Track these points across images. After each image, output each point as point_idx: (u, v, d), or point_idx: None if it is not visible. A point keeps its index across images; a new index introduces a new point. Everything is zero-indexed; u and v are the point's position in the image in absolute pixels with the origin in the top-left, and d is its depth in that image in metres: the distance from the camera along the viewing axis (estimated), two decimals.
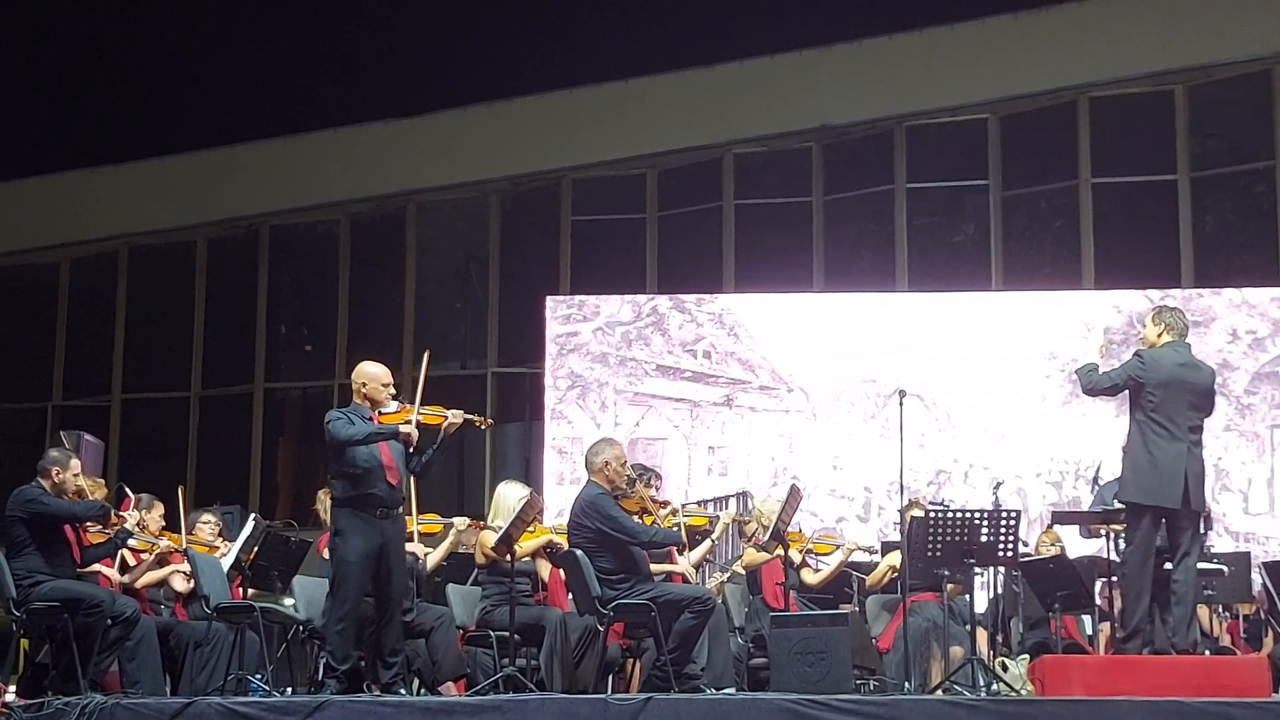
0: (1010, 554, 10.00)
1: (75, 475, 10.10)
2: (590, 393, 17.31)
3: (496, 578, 10.56)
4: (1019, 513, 10.24)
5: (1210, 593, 11.11)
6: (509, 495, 10.73)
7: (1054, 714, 8.32)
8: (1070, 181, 19.05)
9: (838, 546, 12.22)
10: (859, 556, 12.37)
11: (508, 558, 10.16)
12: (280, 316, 22.12)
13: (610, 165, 20.62)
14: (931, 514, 10.18)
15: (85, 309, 22.69)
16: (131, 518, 10.56)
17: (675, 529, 10.64)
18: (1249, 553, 12.98)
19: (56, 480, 9.97)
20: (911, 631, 10.33)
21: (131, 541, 10.71)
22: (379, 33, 24.80)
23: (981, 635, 11.09)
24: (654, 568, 10.52)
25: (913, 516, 10.58)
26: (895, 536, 11.77)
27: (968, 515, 10.01)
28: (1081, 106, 19.00)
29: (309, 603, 10.41)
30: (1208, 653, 10.65)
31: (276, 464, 21.77)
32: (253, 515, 11.74)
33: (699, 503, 14.89)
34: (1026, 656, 10.69)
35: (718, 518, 11.71)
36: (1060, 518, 12.33)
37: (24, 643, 10.56)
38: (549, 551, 10.93)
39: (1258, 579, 12.09)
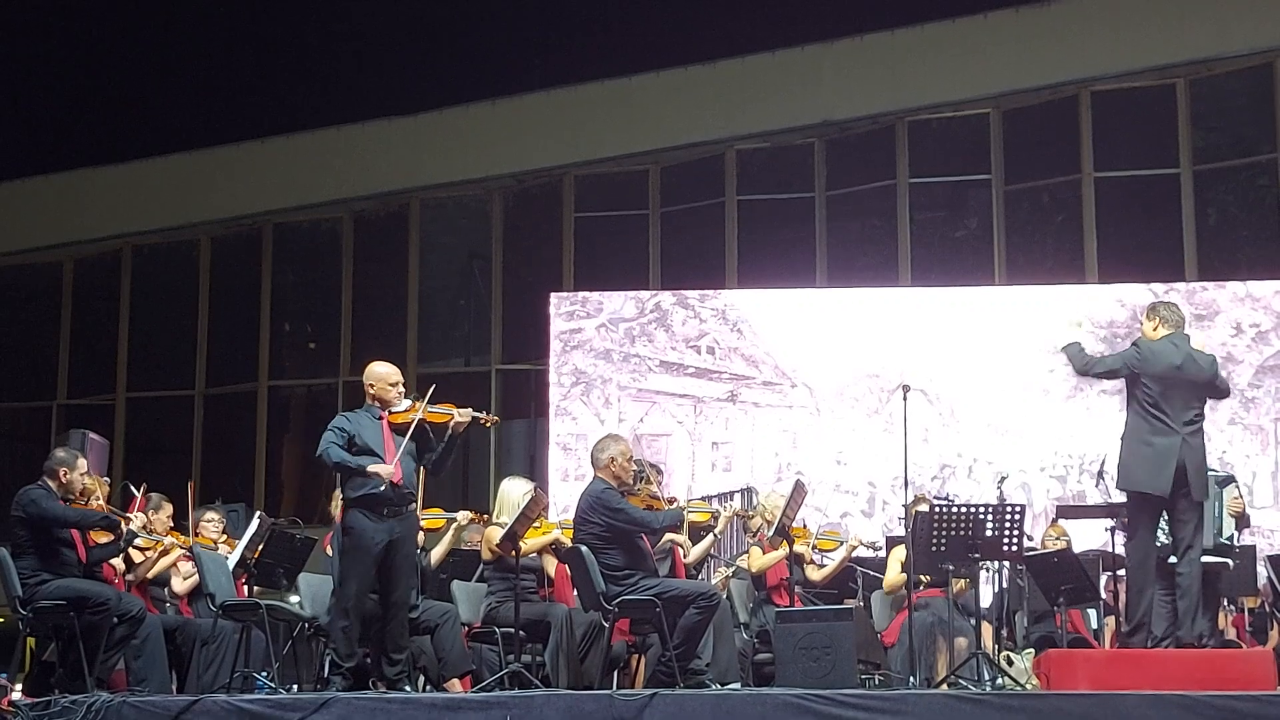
0: (1015, 548, 10.01)
1: (82, 475, 10.10)
2: (594, 389, 17.31)
3: (502, 574, 10.56)
4: (1023, 507, 10.24)
5: (1220, 586, 11.09)
6: (513, 491, 10.74)
7: (1059, 708, 8.32)
8: (1073, 175, 19.05)
9: (841, 542, 12.22)
10: (863, 552, 12.37)
11: (513, 554, 10.17)
12: (284, 314, 22.14)
13: (613, 161, 20.64)
14: (936, 509, 10.19)
15: (89, 308, 22.72)
16: (138, 519, 10.56)
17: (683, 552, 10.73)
18: (1254, 546, 12.95)
19: (64, 480, 9.97)
20: (916, 626, 10.33)
21: (137, 540, 10.71)
22: (382, 30, 24.81)
23: (986, 629, 11.08)
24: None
25: (918, 511, 10.59)
26: (900, 531, 11.76)
27: (972, 510, 10.01)
28: (1084, 100, 19.00)
29: (314, 600, 10.42)
30: (1213, 645, 10.65)
31: (281, 461, 21.79)
32: (258, 513, 11.73)
33: (703, 498, 14.87)
34: (1032, 650, 10.69)
35: (720, 513, 11.71)
36: (1065, 512, 12.34)
37: (30, 641, 10.57)
38: (554, 548, 10.93)
39: (1263, 572, 12.08)
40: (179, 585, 11.37)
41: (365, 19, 24.59)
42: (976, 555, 9.96)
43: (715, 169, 20.32)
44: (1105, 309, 16.50)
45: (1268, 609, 12.38)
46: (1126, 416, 9.46)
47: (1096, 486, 11.50)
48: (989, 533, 9.86)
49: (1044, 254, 19.18)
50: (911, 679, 10.03)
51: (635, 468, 10.28)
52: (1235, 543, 11.00)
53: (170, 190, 22.06)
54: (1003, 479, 11.27)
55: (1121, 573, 10.43)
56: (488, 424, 9.92)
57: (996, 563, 10.84)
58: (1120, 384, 9.75)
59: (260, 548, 10.80)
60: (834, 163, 19.96)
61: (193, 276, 22.20)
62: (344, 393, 20.72)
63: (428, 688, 10.20)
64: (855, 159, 19.87)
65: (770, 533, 11.31)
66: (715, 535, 11.49)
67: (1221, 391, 9.68)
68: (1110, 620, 11.50)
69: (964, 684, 9.66)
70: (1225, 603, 12.21)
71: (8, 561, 9.75)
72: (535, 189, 21.16)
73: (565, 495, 15.85)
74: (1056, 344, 9.86)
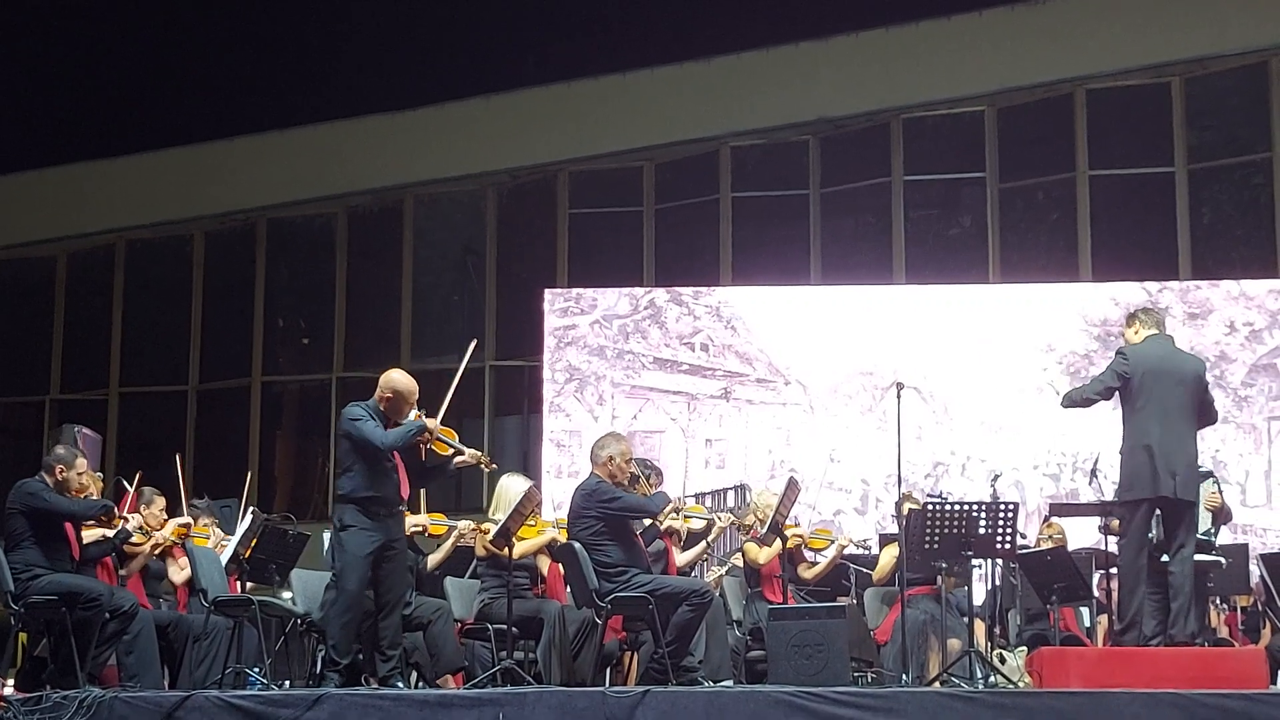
0: (1008, 546, 10.00)
1: (80, 474, 10.09)
2: (588, 386, 17.31)
3: (495, 571, 10.56)
4: (1017, 505, 10.24)
5: (1209, 585, 11.10)
6: (512, 488, 10.74)
7: (1051, 706, 8.32)
8: (1067, 174, 19.06)
9: (832, 541, 12.22)
10: (855, 549, 12.38)
11: (505, 551, 10.16)
12: (278, 309, 22.13)
13: (607, 158, 20.63)
14: (929, 506, 10.18)
15: (82, 303, 22.70)
16: (134, 520, 10.55)
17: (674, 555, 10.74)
18: (1247, 545, 12.98)
19: (60, 477, 9.96)
20: (909, 624, 10.33)
21: (131, 537, 10.71)
22: (376, 26, 24.78)
23: (979, 627, 11.08)
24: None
25: (910, 509, 10.59)
26: (893, 529, 11.77)
27: (966, 507, 10.01)
28: (1078, 98, 19.00)
29: (307, 596, 10.41)
30: (1205, 644, 10.65)
31: (274, 457, 21.78)
32: (250, 509, 11.73)
33: (696, 496, 14.87)
34: (1024, 648, 10.69)
35: (716, 523, 11.72)
36: (1058, 510, 12.35)
37: (22, 636, 10.55)
38: (548, 545, 10.93)
39: (1255, 571, 12.09)
40: (176, 575, 11.36)
41: (360, 15, 24.56)
42: (969, 553, 9.96)
43: (710, 165, 20.32)
44: (1099, 307, 16.51)
45: (1260, 608, 12.38)
46: (1124, 428, 9.45)
47: (1090, 485, 11.51)
48: (982, 531, 9.86)
49: (1038, 252, 19.19)
50: (904, 677, 10.02)
51: (634, 470, 10.28)
52: (1213, 538, 11.01)
53: (164, 185, 22.05)
54: (996, 477, 11.27)
55: (1114, 571, 10.43)
56: (486, 469, 9.92)
57: (989, 561, 10.83)
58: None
59: (253, 544, 10.80)
60: (829, 160, 19.96)
61: (186, 271, 22.19)
62: (337, 388, 20.72)
63: (420, 684, 10.20)
64: (850, 156, 19.87)
65: (764, 530, 11.31)
66: (708, 543, 11.53)
67: (1208, 408, 9.65)
68: (1103, 619, 11.51)
69: (956, 682, 9.66)
70: (1218, 601, 12.24)
71: (0, 557, 9.74)
72: (529, 185, 21.15)
73: (559, 491, 15.86)
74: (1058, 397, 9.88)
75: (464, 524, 11.54)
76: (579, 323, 17.50)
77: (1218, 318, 16.47)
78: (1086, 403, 9.68)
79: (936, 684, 9.74)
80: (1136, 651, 9.05)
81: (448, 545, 11.42)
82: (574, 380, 17.38)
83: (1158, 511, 9.40)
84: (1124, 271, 17.62)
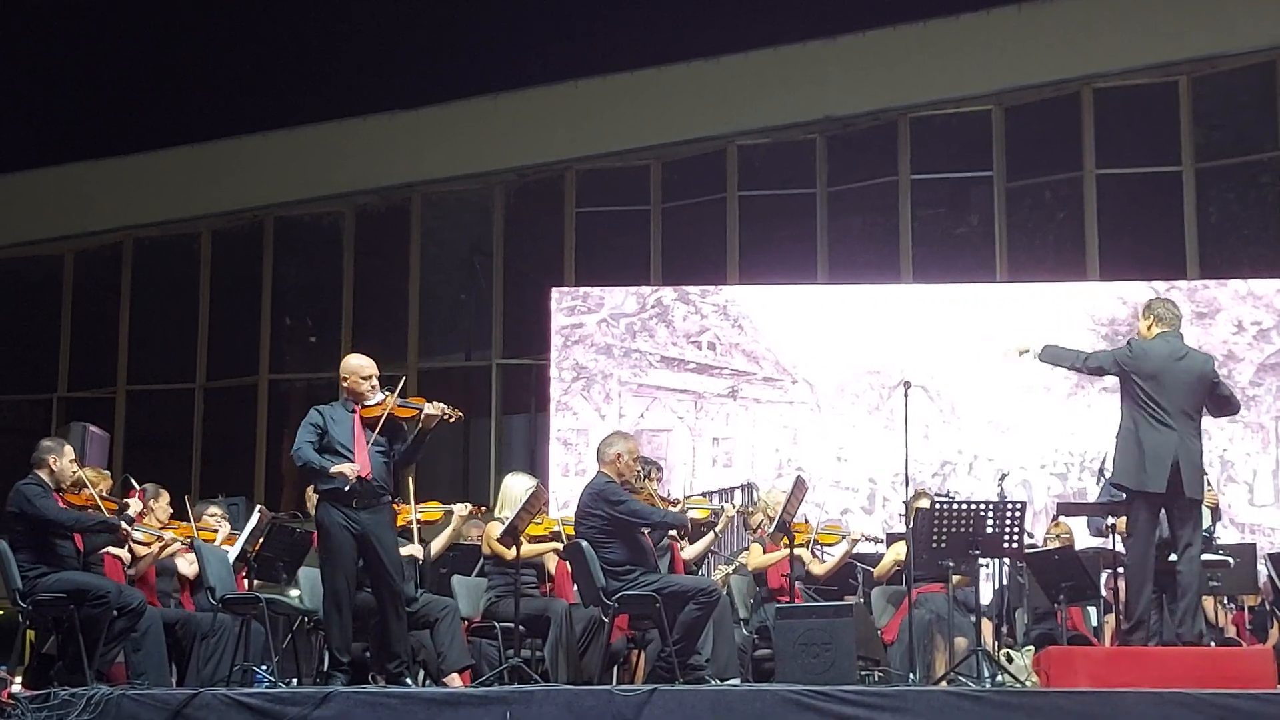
0: (1015, 545, 10.00)
1: (71, 462, 10.07)
2: (595, 384, 17.31)
3: (502, 569, 10.57)
4: (1024, 504, 10.23)
5: (1215, 584, 11.10)
6: (515, 486, 10.74)
7: (1059, 705, 8.32)
8: (1075, 173, 19.05)
9: (843, 537, 12.22)
10: (864, 547, 12.38)
11: (514, 549, 10.16)
12: (285, 308, 22.14)
13: (615, 157, 20.63)
14: (937, 505, 10.18)
15: (90, 301, 22.72)
16: (134, 505, 10.53)
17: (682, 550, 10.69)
18: (1254, 544, 12.98)
19: (54, 468, 9.95)
20: (916, 623, 10.33)
21: (137, 535, 10.70)
22: (383, 24, 24.80)
23: (987, 626, 11.08)
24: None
25: (918, 508, 10.58)
26: (901, 528, 11.76)
27: (973, 507, 10.00)
28: (1086, 98, 18.99)
29: (314, 594, 10.41)
30: (1213, 644, 10.65)
31: (281, 455, 21.77)
32: (258, 507, 11.73)
33: (704, 494, 14.87)
34: (1031, 648, 10.68)
35: (722, 510, 11.71)
36: (1065, 509, 12.34)
37: (30, 634, 10.57)
38: (555, 543, 10.92)
39: (1263, 570, 12.09)
40: (185, 568, 11.36)
41: (368, 14, 24.58)
42: (977, 552, 9.95)
43: (717, 164, 20.32)
44: (1106, 306, 16.51)
45: (1268, 607, 12.39)
46: (1121, 415, 9.46)
47: (1097, 484, 11.51)
48: (989, 530, 9.85)
49: (1045, 251, 19.17)
50: (911, 676, 10.02)
51: (640, 467, 10.28)
52: (1214, 535, 11.00)
53: (172, 183, 22.06)
54: (1003, 476, 11.26)
55: (1121, 570, 10.43)
56: (453, 420, 9.82)
57: (997, 560, 10.82)
58: (1116, 381, 9.72)
59: (260, 541, 10.80)
60: (836, 159, 19.95)
61: (194, 270, 22.21)
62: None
63: (427, 682, 10.20)
64: (857, 155, 19.87)
65: (771, 529, 11.31)
66: (715, 534, 11.50)
67: (1227, 400, 9.62)
68: (1110, 618, 11.50)
69: (964, 681, 9.65)
70: (1226, 600, 12.23)
71: (7, 554, 9.73)
72: (537, 184, 21.16)
73: (566, 490, 15.87)
74: (1022, 354, 9.79)
75: (460, 506, 11.51)
76: (586, 321, 17.50)
77: (1225, 317, 16.46)
78: (1069, 366, 9.67)
79: (944, 683, 9.74)
80: (1144, 651, 9.05)
81: (448, 531, 11.39)
82: (581, 379, 17.38)
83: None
84: (1131, 271, 17.61)
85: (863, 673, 10.32)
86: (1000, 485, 11.05)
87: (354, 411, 9.65)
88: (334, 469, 9.35)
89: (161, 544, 10.95)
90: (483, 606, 10.65)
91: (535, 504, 10.24)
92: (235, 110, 23.30)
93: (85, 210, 22.39)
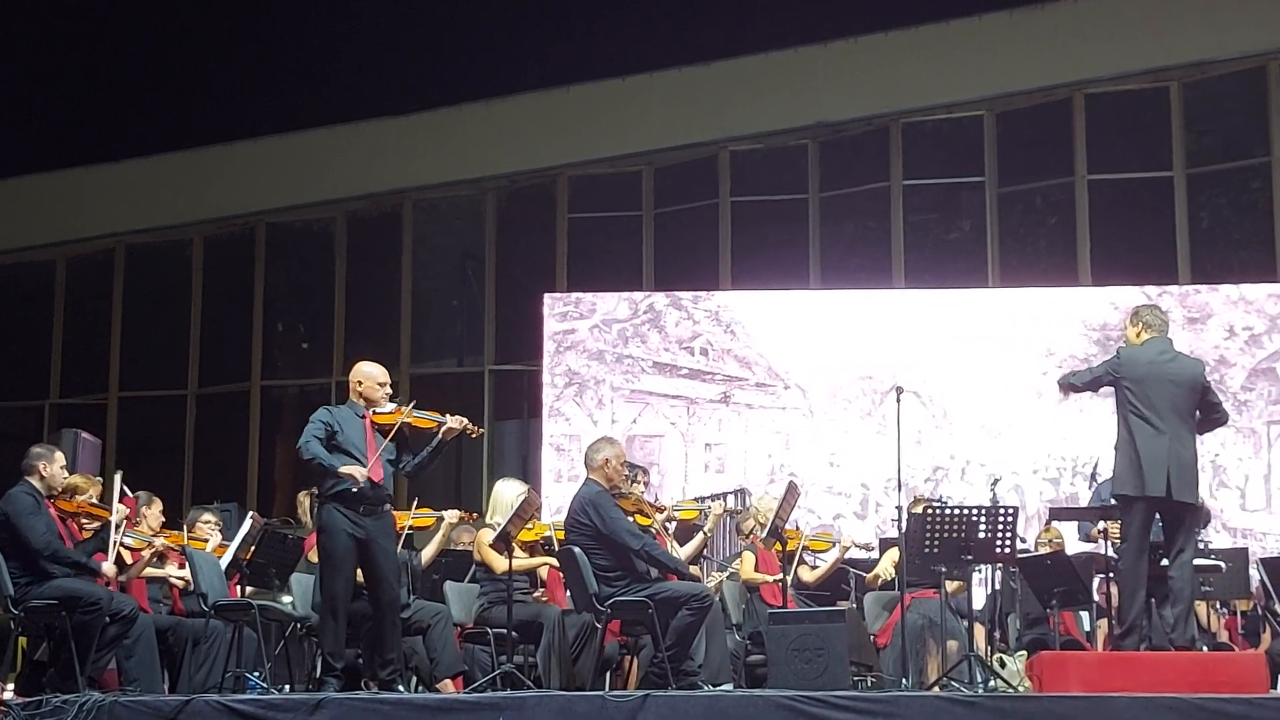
0: (1008, 551, 10.01)
1: (62, 468, 10.07)
2: (587, 390, 17.31)
3: (494, 575, 10.56)
4: (1016, 509, 10.24)
5: (1208, 589, 11.12)
6: (506, 493, 10.74)
7: (1051, 710, 8.32)
8: (1066, 178, 19.06)
9: (834, 543, 12.23)
10: (855, 553, 12.40)
11: (506, 559, 10.16)
12: (277, 314, 22.12)
13: (607, 162, 20.63)
14: (929, 511, 10.19)
15: (82, 307, 22.68)
16: (119, 511, 10.50)
17: (672, 551, 10.62)
18: (1246, 549, 12.98)
19: (45, 474, 9.94)
20: (909, 628, 10.34)
21: (128, 540, 10.69)
22: (375, 30, 24.79)
23: (979, 631, 11.09)
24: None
25: (912, 514, 10.60)
26: (893, 533, 11.77)
27: (965, 512, 10.01)
28: (1077, 103, 19.01)
29: (306, 600, 10.41)
30: (1205, 649, 10.66)
31: (274, 462, 21.77)
32: (250, 513, 11.73)
33: (696, 499, 14.87)
34: (1024, 653, 10.69)
35: (709, 511, 11.68)
36: (1058, 514, 12.35)
37: (22, 641, 10.55)
38: (546, 549, 10.92)
39: (1255, 575, 12.10)
40: (173, 577, 11.35)
41: (359, 19, 24.57)
42: (969, 557, 9.96)
43: (709, 170, 20.32)
44: (1098, 311, 16.53)
45: (1260, 612, 12.39)
46: (1116, 427, 9.46)
47: (1089, 489, 11.52)
48: (982, 535, 9.86)
49: (1037, 256, 19.19)
50: (904, 681, 10.03)
51: (628, 472, 10.29)
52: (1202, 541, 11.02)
53: (163, 189, 22.04)
54: (995, 481, 11.27)
55: (1114, 575, 10.43)
56: (474, 434, 9.85)
57: (989, 565, 10.83)
58: (1109, 389, 9.74)
59: (253, 548, 10.80)
60: (828, 164, 19.96)
61: (186, 276, 22.18)
62: (336, 393, 20.69)
63: (420, 688, 10.20)
64: (849, 160, 19.87)
65: (763, 534, 11.32)
66: (705, 533, 11.49)
67: (1215, 406, 9.63)
68: (1103, 623, 11.51)
69: (956, 686, 9.66)
70: (1218, 605, 12.24)
71: None
72: (529, 189, 21.15)
73: (559, 496, 15.86)
74: (1061, 369, 9.93)
75: (451, 514, 11.53)
76: (578, 327, 17.51)
77: (1217, 322, 16.49)
78: (1072, 389, 9.71)
79: (936, 688, 9.74)
80: (1136, 656, 9.05)
81: (439, 537, 11.40)
82: (573, 384, 17.39)
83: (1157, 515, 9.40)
84: (1123, 276, 17.62)
85: (855, 678, 10.32)
86: (992, 490, 11.06)
87: (364, 416, 9.63)
88: (343, 469, 9.34)
89: (153, 550, 10.94)
90: (475, 612, 10.65)
91: (527, 510, 10.24)
92: (227, 116, 23.28)
93: (77, 216, 22.36)
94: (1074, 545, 12.10)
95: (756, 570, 11.58)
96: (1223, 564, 11.09)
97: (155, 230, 22.29)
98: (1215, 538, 14.17)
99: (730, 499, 15.52)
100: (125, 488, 11.05)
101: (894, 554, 11.49)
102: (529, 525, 10.56)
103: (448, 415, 9.69)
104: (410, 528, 11.31)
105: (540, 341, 17.74)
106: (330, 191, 21.49)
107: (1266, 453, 16.22)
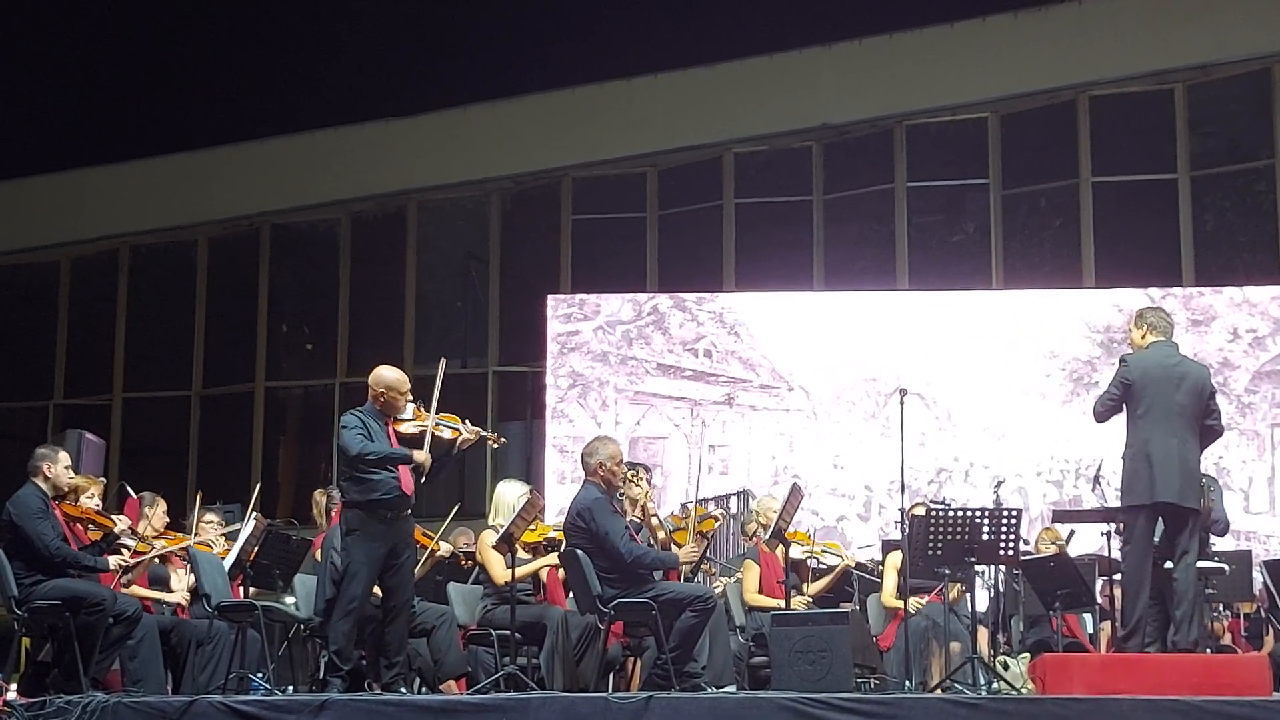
0: (1011, 552, 10.00)
1: (67, 468, 10.07)
2: (591, 391, 17.32)
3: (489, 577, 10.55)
4: (1020, 511, 10.24)
5: (1211, 591, 11.11)
6: (508, 494, 10.73)
7: (1054, 712, 8.31)
8: (1070, 180, 19.06)
9: (839, 558, 12.21)
10: (860, 555, 12.40)
11: (508, 559, 10.15)
12: (281, 315, 22.13)
13: (611, 164, 20.64)
14: (933, 513, 10.18)
15: (86, 308, 22.70)
16: (121, 522, 10.51)
17: (670, 550, 10.57)
18: (1250, 551, 12.99)
19: (49, 475, 9.94)
20: (912, 630, 10.33)
21: (130, 542, 10.70)
22: (380, 31, 24.82)
23: (982, 634, 11.09)
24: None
25: (914, 515, 10.59)
26: (896, 535, 11.77)
27: (969, 514, 10.01)
28: (1081, 105, 19.01)
29: (310, 601, 10.42)
30: (1209, 651, 10.65)
31: (278, 463, 21.78)
32: (253, 514, 11.73)
33: (701, 501, 14.86)
34: (1027, 655, 10.69)
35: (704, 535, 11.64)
36: (1061, 516, 12.35)
37: (26, 641, 10.55)
38: (549, 549, 10.91)
39: (1258, 577, 12.09)
40: (176, 585, 11.35)
41: (364, 20, 24.60)
42: (973, 559, 9.96)
43: (713, 172, 20.32)
44: (1102, 313, 16.54)
45: (1263, 614, 12.39)
46: (1126, 433, 9.42)
47: (1093, 491, 11.51)
48: (985, 537, 9.86)
49: (1041, 258, 19.18)
50: (907, 683, 10.03)
51: (625, 471, 10.26)
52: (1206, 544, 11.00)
53: (168, 190, 22.05)
54: (999, 483, 11.27)
55: (1118, 577, 10.43)
56: (495, 444, 9.89)
57: (992, 567, 10.83)
58: None
59: (256, 549, 10.80)
60: (832, 166, 19.96)
61: (190, 277, 22.19)
62: (340, 394, 20.71)
63: (423, 690, 10.20)
64: (853, 162, 19.87)
65: (766, 536, 11.32)
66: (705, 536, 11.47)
67: (1215, 415, 9.59)
68: (1106, 625, 11.50)
69: (959, 688, 9.66)
70: (1221, 608, 12.23)
71: (2, 561, 9.73)
72: (533, 191, 21.16)
73: (562, 497, 15.83)
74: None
75: (445, 549, 11.59)
76: (582, 328, 17.51)
77: (1221, 324, 16.48)
78: (1105, 416, 9.59)
79: (939, 690, 9.74)
80: (1140, 658, 9.05)
81: (422, 564, 11.42)
82: (577, 386, 17.39)
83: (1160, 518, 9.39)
84: (1127, 278, 17.62)
85: (859, 680, 10.32)
86: (996, 492, 11.05)
87: (386, 424, 9.63)
88: (418, 455, 9.37)
89: (154, 552, 10.94)
90: (479, 614, 10.65)
91: (531, 511, 10.23)
92: (232, 117, 23.32)
93: (81, 217, 22.38)
94: (1084, 546, 12.09)
95: (760, 584, 11.52)
96: (1226, 566, 11.08)
97: (159, 231, 22.31)
98: (1219, 540, 14.14)
99: (734, 501, 15.53)
100: (130, 490, 11.08)
101: (895, 560, 11.46)
102: (532, 526, 10.55)
103: (464, 424, 9.72)
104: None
105: (544, 343, 17.75)
106: (335, 193, 21.50)
107: (1270, 455, 16.21)
